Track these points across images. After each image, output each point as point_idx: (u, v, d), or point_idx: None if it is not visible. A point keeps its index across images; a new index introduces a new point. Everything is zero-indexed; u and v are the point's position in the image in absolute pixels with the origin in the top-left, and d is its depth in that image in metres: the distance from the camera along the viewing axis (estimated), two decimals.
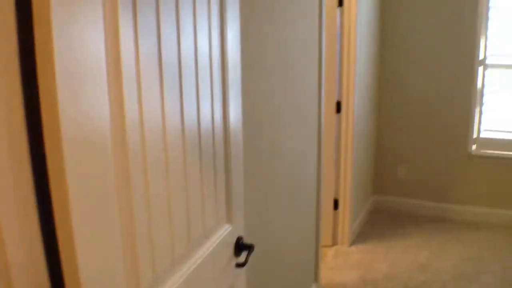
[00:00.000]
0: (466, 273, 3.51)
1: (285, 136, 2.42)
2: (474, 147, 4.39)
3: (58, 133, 0.74)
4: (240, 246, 1.49)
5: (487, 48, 4.17)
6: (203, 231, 1.29)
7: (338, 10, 3.51)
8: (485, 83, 4.24)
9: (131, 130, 0.94)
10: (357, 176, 4.03)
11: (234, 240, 1.47)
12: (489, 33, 4.14)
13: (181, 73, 1.11)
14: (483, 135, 4.36)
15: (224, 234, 1.40)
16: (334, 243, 3.95)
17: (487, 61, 4.19)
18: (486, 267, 3.60)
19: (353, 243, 4.00)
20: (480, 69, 4.21)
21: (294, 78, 2.48)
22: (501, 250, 3.89)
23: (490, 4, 4.07)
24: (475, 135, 4.37)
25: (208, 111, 1.26)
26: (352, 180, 3.85)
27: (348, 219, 3.89)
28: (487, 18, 4.10)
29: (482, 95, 4.28)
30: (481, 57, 4.18)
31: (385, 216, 4.55)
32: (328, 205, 3.87)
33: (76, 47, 0.76)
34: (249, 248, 1.50)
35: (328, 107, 3.68)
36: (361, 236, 4.13)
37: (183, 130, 1.14)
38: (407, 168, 4.62)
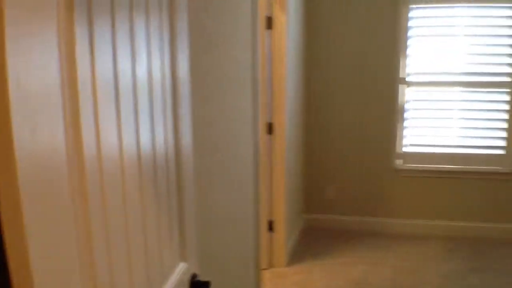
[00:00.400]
0: (402, 286, 3.58)
1: (223, 162, 2.36)
2: (399, 161, 4.53)
3: (14, 173, 0.64)
4: (196, 284, 1.40)
5: (408, 67, 4.34)
6: (161, 271, 1.19)
7: (266, 33, 3.51)
8: (407, 100, 4.40)
9: (89, 168, 0.84)
10: (289, 197, 4.02)
11: (189, 278, 1.38)
12: (409, 52, 4.31)
13: (137, 102, 1.02)
14: (407, 149, 4.51)
15: (180, 273, 1.31)
16: (271, 265, 3.91)
17: (408, 79, 4.35)
18: (422, 278, 3.70)
19: (289, 264, 3.97)
20: (402, 87, 4.37)
21: (230, 102, 2.42)
22: (434, 260, 4.02)
23: (409, 24, 4.25)
24: (399, 150, 4.51)
25: (162, 142, 1.18)
26: (285, 201, 3.84)
27: (283, 240, 3.87)
28: (406, 39, 4.28)
29: (404, 111, 4.43)
30: (402, 75, 4.34)
31: (317, 234, 4.57)
32: (262, 227, 3.81)
33: (32, 79, 0.67)
34: (206, 285, 1.41)
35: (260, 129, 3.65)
36: (296, 256, 4.12)
37: (139, 165, 1.05)
38: (336, 186, 4.68)
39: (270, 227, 3.85)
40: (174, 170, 1.27)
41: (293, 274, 3.80)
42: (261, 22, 3.45)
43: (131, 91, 1.00)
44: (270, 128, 3.70)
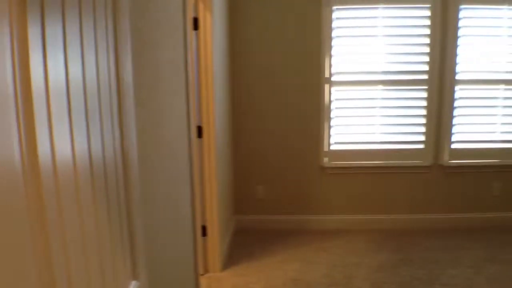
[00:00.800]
0: (337, 280, 3.65)
1: (161, 166, 2.28)
2: (325, 159, 4.62)
3: None
4: None
5: (332, 67, 4.43)
6: None
7: (194, 34, 3.46)
8: (332, 99, 4.50)
9: (44, 176, 0.76)
10: (221, 200, 3.98)
11: None
12: (333, 52, 4.40)
13: (87, 106, 0.95)
14: (333, 147, 4.61)
15: None
16: (206, 270, 3.84)
17: (333, 79, 4.45)
18: (354, 271, 3.79)
19: (224, 268, 3.93)
20: (327, 86, 4.46)
21: (165, 105, 2.35)
22: (365, 253, 4.14)
23: (333, 25, 4.35)
24: (326, 148, 4.60)
25: (112, 148, 1.11)
26: (218, 205, 3.79)
27: (217, 245, 3.82)
28: (330, 39, 4.37)
29: (330, 110, 4.52)
30: (327, 75, 4.43)
31: (250, 235, 4.57)
32: (197, 233, 3.74)
33: None
34: None
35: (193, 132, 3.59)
36: (231, 259, 4.08)
37: (92, 173, 0.97)
38: (266, 186, 4.70)
39: (204, 232, 3.79)
40: (122, 180, 1.20)
41: (230, 277, 3.77)
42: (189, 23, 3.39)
43: (81, 95, 0.93)
44: (199, 132, 3.64)
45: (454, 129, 4.57)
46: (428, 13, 4.34)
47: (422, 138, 4.59)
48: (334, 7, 4.33)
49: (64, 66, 0.85)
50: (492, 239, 4.45)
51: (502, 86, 4.49)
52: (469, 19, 4.38)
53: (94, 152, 1.00)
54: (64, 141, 0.85)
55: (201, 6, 3.49)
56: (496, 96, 4.52)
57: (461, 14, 4.35)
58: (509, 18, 4.37)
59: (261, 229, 4.70)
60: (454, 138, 4.59)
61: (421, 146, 4.60)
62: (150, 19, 2.17)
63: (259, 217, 4.76)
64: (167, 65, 2.39)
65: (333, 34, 4.38)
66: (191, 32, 3.42)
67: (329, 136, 4.59)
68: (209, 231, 3.79)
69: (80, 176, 0.91)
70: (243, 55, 4.47)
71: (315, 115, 4.55)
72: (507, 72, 4.47)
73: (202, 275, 3.79)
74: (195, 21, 3.49)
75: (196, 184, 3.55)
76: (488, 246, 4.28)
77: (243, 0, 4.38)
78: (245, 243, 4.42)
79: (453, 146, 4.60)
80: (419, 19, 4.39)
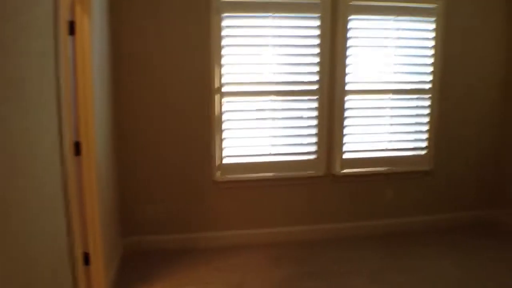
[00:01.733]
0: None
1: (23, 190, 1.93)
2: (218, 173, 4.41)
3: None
4: None
5: (223, 77, 4.24)
6: None
7: (70, 39, 3.08)
8: (223, 110, 4.30)
9: None
10: (105, 223, 3.61)
11: None
12: (223, 62, 4.21)
13: None
14: (226, 161, 4.41)
15: None
16: None
17: (224, 89, 4.25)
18: None
19: None
20: (217, 97, 4.26)
21: (31, 124, 2.00)
22: (263, 269, 3.99)
23: (223, 33, 4.15)
24: (218, 162, 4.39)
25: None
26: (101, 229, 3.42)
27: (102, 273, 3.43)
28: (220, 48, 4.17)
29: (221, 122, 4.32)
30: (217, 85, 4.23)
31: (142, 259, 4.20)
32: (78, 262, 3.34)
33: None
34: None
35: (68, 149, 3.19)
36: (121, 286, 3.71)
37: None
38: (156, 204, 4.39)
39: (86, 260, 3.39)
40: None
41: None
42: (63, 27, 3.01)
43: None
44: (77, 148, 3.25)
45: (345, 139, 4.58)
46: (318, 23, 4.31)
47: (315, 148, 4.54)
48: (224, 15, 4.14)
49: None
50: (389, 245, 4.52)
51: (390, 96, 4.58)
52: (357, 29, 4.41)
53: None
54: None
55: (78, 8, 3.12)
56: (384, 106, 4.59)
57: (350, 24, 4.37)
58: (396, 30, 4.46)
59: (153, 251, 4.35)
60: (345, 147, 4.60)
61: (314, 156, 4.56)
62: (14, 23, 1.83)
63: (150, 237, 4.42)
64: (35, 75, 2.04)
65: (223, 42, 4.19)
66: (65, 38, 3.04)
67: (222, 149, 4.39)
68: (92, 258, 3.40)
69: None
70: (127, 64, 4.12)
71: (206, 127, 4.32)
72: (394, 82, 4.56)
73: None
74: (71, 25, 3.12)
75: (74, 209, 3.16)
76: (386, 253, 4.33)
77: (126, 3, 4.04)
78: (136, 267, 4.05)
79: (345, 155, 4.61)
80: (310, 29, 4.34)
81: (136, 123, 4.22)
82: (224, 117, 4.33)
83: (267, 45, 4.28)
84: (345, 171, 4.64)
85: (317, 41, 4.33)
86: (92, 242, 3.37)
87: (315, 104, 4.45)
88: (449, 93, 4.75)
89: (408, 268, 4.02)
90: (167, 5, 4.09)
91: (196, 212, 4.47)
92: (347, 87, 4.48)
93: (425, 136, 4.78)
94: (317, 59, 4.37)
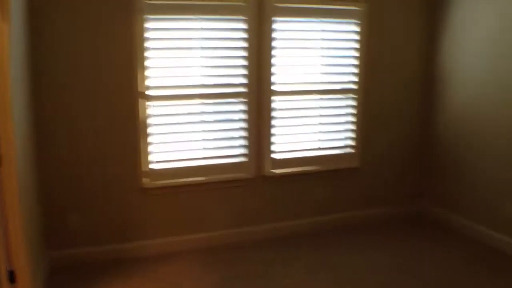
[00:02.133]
0: None
1: None
2: (146, 180, 4.28)
3: None
4: None
5: (148, 80, 4.11)
6: None
7: None
8: (149, 114, 4.18)
9: None
10: (30, 237, 3.40)
11: None
12: (148, 65, 4.08)
13: None
14: (154, 166, 4.29)
15: None
16: None
17: (149, 93, 4.13)
18: None
19: None
20: (142, 101, 4.13)
21: None
22: (196, 275, 3.93)
23: (147, 35, 4.04)
24: (146, 168, 4.26)
25: None
26: (26, 244, 3.22)
27: None
28: (144, 50, 4.05)
29: (147, 127, 4.19)
30: (141, 89, 4.10)
31: (70, 273, 3.97)
32: (3, 280, 3.13)
33: None
34: None
35: None
36: None
37: None
38: (82, 215, 4.18)
39: (12, 278, 3.17)
40: None
41: None
42: None
43: None
44: None
45: (273, 140, 4.61)
46: (244, 25, 4.30)
47: (245, 151, 4.53)
48: (147, 16, 4.01)
49: None
50: (322, 242, 4.61)
51: (316, 96, 4.65)
52: (283, 31, 4.44)
53: None
54: None
55: None
56: (311, 106, 4.67)
57: (275, 26, 4.39)
58: (321, 31, 4.55)
59: (81, 264, 4.13)
60: (274, 148, 4.64)
61: (245, 159, 4.55)
62: None
63: (79, 250, 4.20)
64: None
65: (148, 45, 4.06)
66: None
67: (148, 154, 4.26)
68: (18, 276, 3.19)
69: None
70: (48, 69, 3.87)
71: (132, 133, 4.18)
72: (320, 82, 4.64)
73: None
74: None
75: None
76: (320, 251, 4.41)
77: (45, 7, 3.81)
78: (64, 282, 3.83)
79: (275, 156, 4.65)
80: (236, 31, 4.32)
81: (58, 130, 4.00)
82: (149, 121, 4.20)
83: (193, 48, 4.21)
84: (275, 171, 4.67)
85: (243, 43, 4.32)
86: (16, 259, 3.16)
87: (244, 106, 4.44)
88: (373, 92, 4.92)
89: (340, 264, 4.13)
90: (90, 5, 3.90)
91: (126, 221, 4.31)
92: (273, 88, 4.50)
93: (354, 135, 4.90)
94: (244, 62, 4.35)
